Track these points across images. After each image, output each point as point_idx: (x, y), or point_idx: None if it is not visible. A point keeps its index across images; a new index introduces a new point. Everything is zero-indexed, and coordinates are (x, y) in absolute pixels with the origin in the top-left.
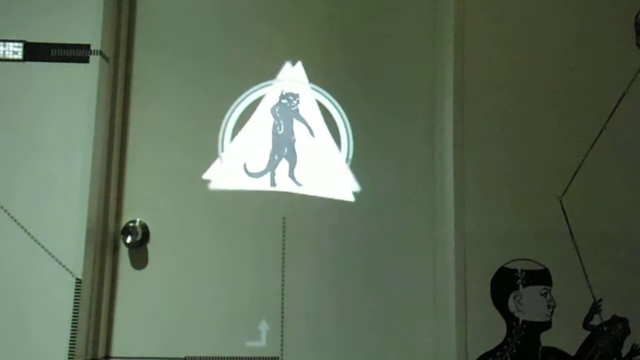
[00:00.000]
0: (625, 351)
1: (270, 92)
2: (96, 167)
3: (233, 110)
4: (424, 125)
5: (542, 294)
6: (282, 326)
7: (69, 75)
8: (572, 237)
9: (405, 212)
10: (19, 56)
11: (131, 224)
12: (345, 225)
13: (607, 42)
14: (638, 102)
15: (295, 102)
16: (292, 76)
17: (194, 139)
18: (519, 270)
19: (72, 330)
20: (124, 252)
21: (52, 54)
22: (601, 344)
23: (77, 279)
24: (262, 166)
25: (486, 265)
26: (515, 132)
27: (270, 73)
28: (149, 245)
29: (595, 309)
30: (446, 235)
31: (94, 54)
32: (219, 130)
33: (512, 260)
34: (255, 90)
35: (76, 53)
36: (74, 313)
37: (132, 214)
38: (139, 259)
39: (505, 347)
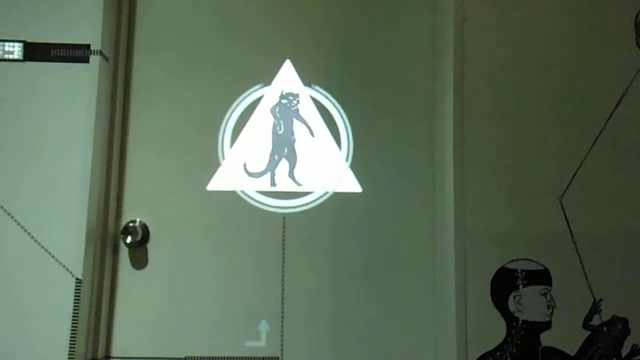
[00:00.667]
0: (625, 351)
1: (270, 92)
2: (96, 167)
3: (233, 110)
4: (424, 125)
5: (542, 294)
6: (282, 326)
7: (69, 75)
8: (572, 237)
9: (405, 212)
10: (19, 56)
11: (131, 224)
12: (345, 225)
13: (607, 42)
14: (638, 102)
15: (295, 102)
16: (292, 76)
17: (194, 139)
18: (519, 270)
19: (72, 330)
20: (124, 252)
21: (52, 54)
22: (601, 344)
23: (77, 279)
24: (262, 166)
25: (486, 265)
26: (515, 132)
27: (270, 73)
28: (149, 245)
29: (595, 309)
30: (446, 235)
31: (94, 54)
32: (219, 130)
33: (512, 260)
34: (255, 90)
35: (76, 53)
36: (74, 313)
37: (132, 214)
38: (139, 259)
39: (505, 347)
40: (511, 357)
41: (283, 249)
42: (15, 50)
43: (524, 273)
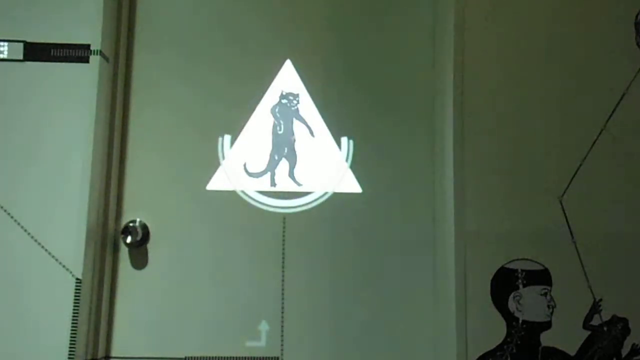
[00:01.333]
0: (625, 351)
1: (270, 92)
2: (96, 167)
3: (233, 110)
4: (423, 125)
5: (542, 294)
6: (282, 326)
7: (69, 75)
8: (572, 237)
9: (405, 212)
10: (18, 56)
11: (131, 224)
12: (345, 225)
13: (607, 42)
14: (638, 102)
15: (295, 102)
16: (292, 76)
17: (194, 139)
18: (519, 270)
19: (72, 330)
20: (124, 252)
21: (52, 54)
22: (601, 344)
23: (77, 279)
24: (262, 166)
25: (486, 265)
26: (515, 132)
27: (270, 73)
28: (149, 245)
29: (595, 309)
30: (446, 235)
31: (94, 54)
32: (219, 130)
33: (512, 260)
34: (255, 90)
35: (76, 53)
36: (74, 313)
37: (132, 214)
38: (139, 259)
39: (505, 347)
40: (511, 357)
41: (283, 249)
42: (15, 50)
43: (524, 273)
